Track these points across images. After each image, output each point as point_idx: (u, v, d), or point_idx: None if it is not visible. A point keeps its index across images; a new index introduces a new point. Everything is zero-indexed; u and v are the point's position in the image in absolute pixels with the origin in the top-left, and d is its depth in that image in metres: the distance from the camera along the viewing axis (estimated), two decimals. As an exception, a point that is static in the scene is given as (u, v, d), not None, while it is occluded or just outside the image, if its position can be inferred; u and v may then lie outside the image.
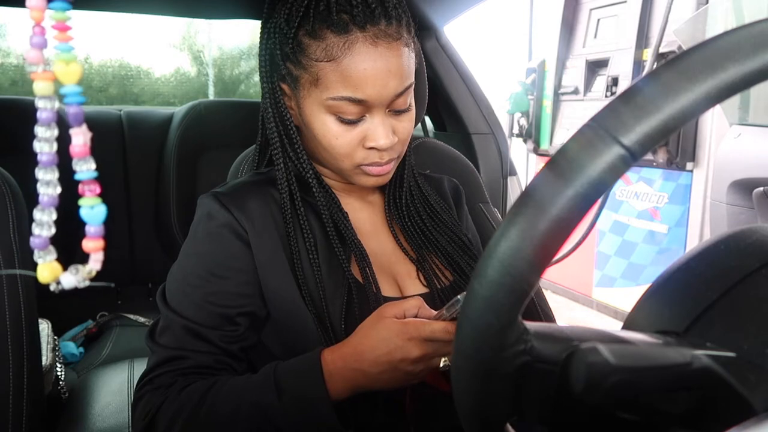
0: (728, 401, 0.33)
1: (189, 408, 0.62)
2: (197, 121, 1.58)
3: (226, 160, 0.99)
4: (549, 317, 1.05)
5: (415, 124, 1.04)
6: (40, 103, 0.26)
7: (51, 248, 0.27)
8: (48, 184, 0.26)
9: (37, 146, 0.26)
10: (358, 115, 0.67)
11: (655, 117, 0.28)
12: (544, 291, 1.12)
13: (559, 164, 0.29)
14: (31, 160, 0.27)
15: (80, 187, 0.27)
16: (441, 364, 0.61)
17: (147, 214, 1.65)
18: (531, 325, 0.36)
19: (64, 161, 0.27)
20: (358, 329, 0.63)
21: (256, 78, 0.79)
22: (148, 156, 1.63)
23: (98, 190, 0.27)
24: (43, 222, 0.26)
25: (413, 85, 0.70)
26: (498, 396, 0.36)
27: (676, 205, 2.53)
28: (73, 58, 0.25)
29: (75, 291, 0.28)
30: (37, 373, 0.83)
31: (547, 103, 3.12)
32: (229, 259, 0.69)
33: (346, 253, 0.73)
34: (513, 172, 1.56)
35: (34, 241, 0.26)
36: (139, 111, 1.72)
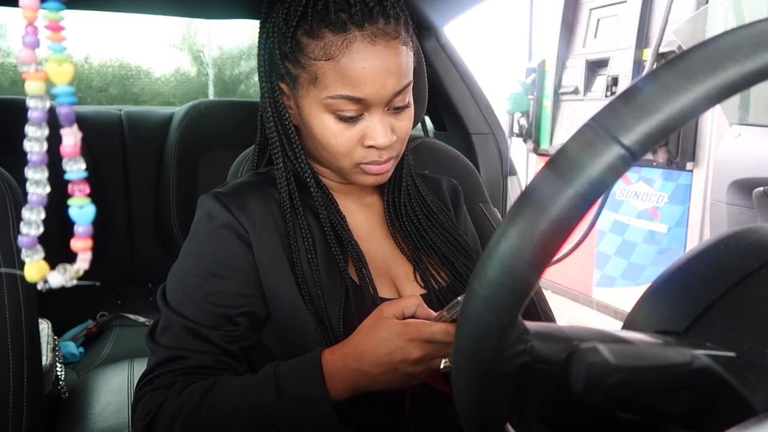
0: (728, 401, 0.33)
1: (189, 408, 0.62)
2: (197, 121, 1.58)
3: (226, 160, 0.99)
4: (549, 317, 1.05)
5: (415, 124, 1.05)
6: (31, 103, 0.26)
7: (39, 247, 0.27)
8: (37, 184, 0.26)
9: (27, 146, 0.26)
10: (357, 113, 0.67)
11: (655, 117, 0.28)
12: (544, 291, 1.12)
13: (559, 164, 0.29)
14: (26, 160, 0.27)
15: (70, 186, 0.27)
16: (441, 366, 0.61)
17: (147, 214, 1.65)
18: (531, 325, 0.36)
19: (60, 161, 0.27)
20: (359, 329, 0.63)
21: (256, 78, 0.79)
22: (148, 156, 1.63)
23: (88, 190, 0.27)
24: (32, 221, 0.26)
25: (411, 84, 0.70)
26: (498, 396, 0.36)
27: (676, 205, 2.53)
28: (66, 58, 0.25)
29: (75, 290, 0.28)
30: (37, 373, 0.83)
31: (547, 103, 3.12)
32: (229, 259, 0.69)
33: (344, 254, 0.73)
34: (513, 172, 1.56)
35: (22, 240, 0.26)
36: (139, 111, 1.72)
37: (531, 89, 3.20)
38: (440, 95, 1.48)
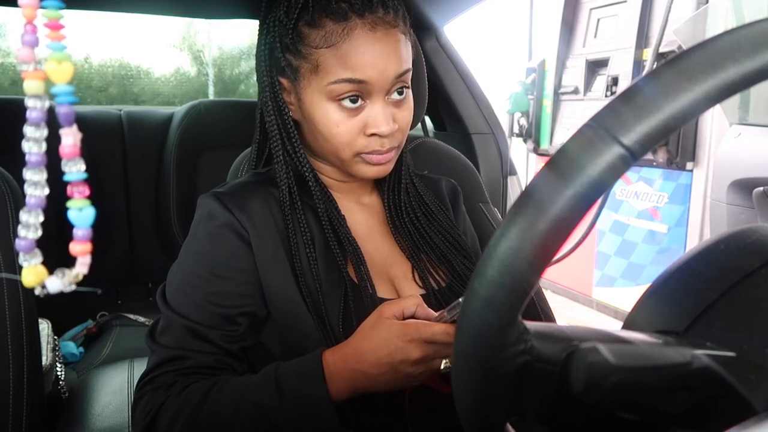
0: (728, 401, 0.33)
1: (190, 408, 0.62)
2: (197, 121, 1.58)
3: (226, 160, 0.99)
4: (549, 317, 1.05)
5: (415, 124, 1.05)
6: (29, 102, 0.25)
7: (37, 251, 0.26)
8: (36, 185, 0.26)
9: (26, 146, 0.25)
10: (358, 97, 0.68)
11: (655, 117, 0.28)
12: (544, 291, 1.12)
13: (559, 164, 0.29)
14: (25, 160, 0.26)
15: (69, 188, 0.26)
16: (441, 366, 0.61)
17: (147, 214, 1.65)
18: (531, 324, 0.36)
19: (59, 162, 0.27)
20: (359, 330, 0.63)
21: (256, 78, 0.79)
22: (148, 156, 1.63)
23: (87, 192, 0.26)
24: (30, 224, 0.26)
25: (411, 72, 0.72)
26: (498, 396, 0.36)
27: (676, 204, 2.53)
28: (66, 57, 0.25)
29: (75, 291, 0.27)
30: (37, 373, 0.82)
31: (547, 103, 3.12)
32: (229, 259, 0.69)
33: (343, 254, 0.73)
34: (513, 172, 1.56)
35: (19, 244, 0.26)
36: (139, 111, 1.72)
37: (531, 89, 3.20)
38: (440, 95, 1.48)
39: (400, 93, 0.71)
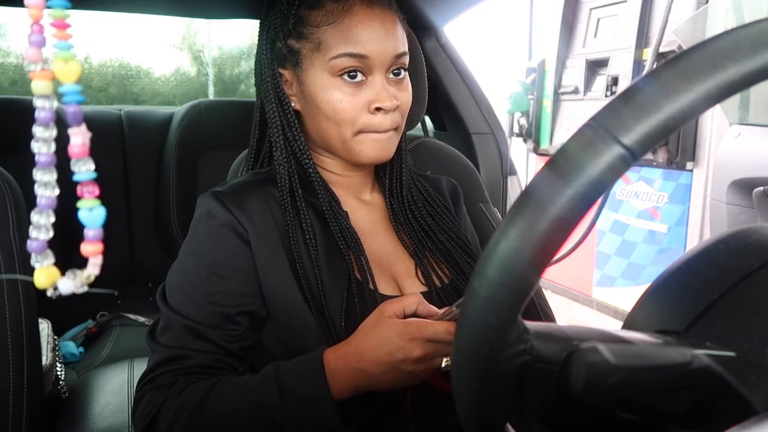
0: (728, 401, 0.33)
1: (190, 407, 0.62)
2: (197, 121, 1.58)
3: (226, 160, 0.99)
4: (549, 317, 1.05)
5: (415, 124, 1.05)
6: (38, 103, 0.25)
7: (48, 252, 0.26)
8: (46, 186, 0.26)
9: (35, 147, 0.25)
10: (361, 74, 0.70)
11: (655, 117, 0.28)
12: (544, 291, 1.12)
13: (559, 164, 0.29)
14: (30, 160, 0.26)
15: (79, 188, 0.26)
16: (443, 365, 0.61)
17: (147, 214, 1.65)
18: (531, 324, 0.36)
19: (64, 162, 0.27)
20: (360, 329, 0.63)
21: (255, 79, 0.79)
22: (148, 156, 1.63)
23: (97, 191, 0.26)
24: (41, 225, 0.26)
25: (408, 58, 0.74)
26: (498, 396, 0.36)
27: (676, 204, 2.53)
28: (72, 57, 0.25)
29: (86, 291, 0.27)
30: (37, 373, 0.82)
31: (547, 103, 3.12)
32: (229, 259, 0.69)
33: (345, 250, 0.73)
34: (513, 172, 1.56)
35: (31, 245, 0.25)
36: (139, 111, 1.72)
37: (531, 89, 3.20)
38: (440, 95, 1.48)
39: (399, 74, 0.73)
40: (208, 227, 0.71)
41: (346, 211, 0.76)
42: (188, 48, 4.20)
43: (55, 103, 0.26)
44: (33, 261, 0.26)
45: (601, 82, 2.81)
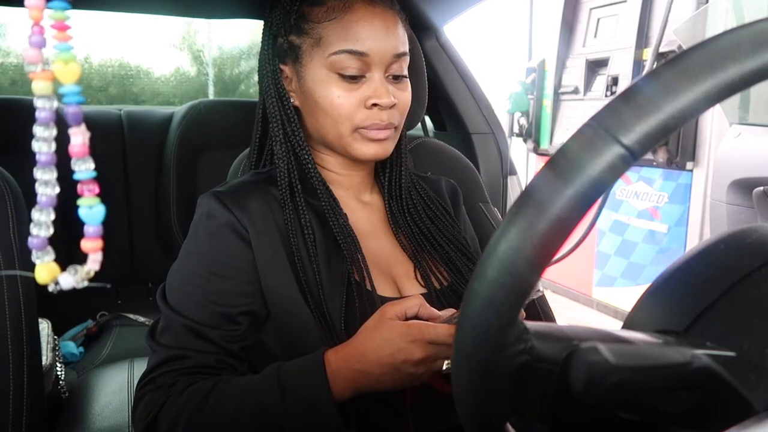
0: (728, 401, 0.33)
1: (192, 408, 0.62)
2: (197, 121, 1.58)
3: (226, 160, 0.99)
4: (549, 317, 1.05)
5: (415, 124, 1.05)
6: (38, 103, 0.25)
7: (49, 249, 0.27)
8: (46, 184, 0.26)
9: (36, 146, 0.26)
10: (360, 72, 0.70)
11: (655, 116, 0.28)
12: (544, 291, 1.12)
13: (559, 164, 0.29)
14: (30, 160, 0.27)
15: (79, 187, 0.27)
16: (444, 367, 0.61)
17: (147, 214, 1.65)
18: (531, 324, 0.36)
19: (64, 161, 0.27)
20: (361, 330, 0.63)
21: (256, 78, 0.79)
22: (148, 156, 1.63)
23: (97, 190, 0.27)
24: (42, 222, 0.26)
25: (408, 59, 0.75)
26: (498, 395, 0.36)
27: (676, 204, 2.53)
28: (72, 58, 0.25)
29: (75, 290, 0.28)
30: (37, 373, 0.82)
31: (547, 103, 3.12)
32: (229, 259, 0.69)
33: (345, 251, 0.73)
34: (513, 172, 1.56)
35: (32, 242, 0.26)
36: (139, 111, 1.72)
37: (531, 89, 3.20)
38: (440, 95, 1.48)
39: (399, 74, 0.74)
40: (209, 227, 0.71)
41: (345, 213, 0.76)
42: (188, 48, 4.20)
43: (56, 103, 0.26)
44: (34, 257, 0.26)
45: (601, 82, 2.81)
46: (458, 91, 1.48)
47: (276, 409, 0.60)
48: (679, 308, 0.39)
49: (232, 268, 0.69)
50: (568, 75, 3.01)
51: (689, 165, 2.43)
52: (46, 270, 0.26)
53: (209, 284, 0.68)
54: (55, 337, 1.24)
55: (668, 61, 0.29)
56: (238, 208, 0.70)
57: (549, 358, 0.35)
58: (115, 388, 1.17)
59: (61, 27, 0.25)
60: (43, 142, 0.26)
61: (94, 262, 0.27)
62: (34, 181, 0.26)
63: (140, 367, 1.25)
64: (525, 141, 3.28)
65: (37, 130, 0.26)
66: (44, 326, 1.20)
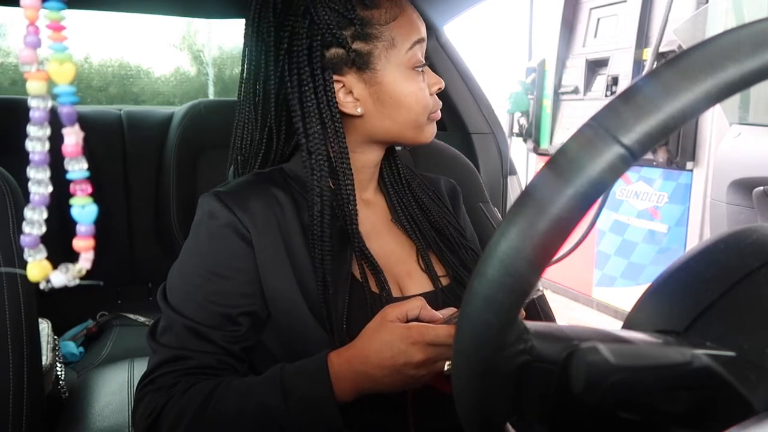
0: (728, 401, 0.33)
1: (193, 408, 0.62)
2: (197, 121, 1.58)
3: (226, 160, 0.98)
4: (549, 317, 1.05)
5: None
6: (32, 103, 0.26)
7: (41, 247, 0.27)
8: (39, 183, 0.26)
9: (29, 145, 0.26)
10: (423, 60, 0.74)
11: (655, 116, 0.28)
12: (544, 291, 1.12)
13: (559, 164, 0.29)
14: (27, 159, 0.27)
15: (72, 186, 0.27)
16: (445, 368, 0.61)
17: (147, 214, 1.65)
18: (531, 324, 0.36)
19: (62, 161, 0.27)
20: (363, 332, 0.63)
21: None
22: (148, 156, 1.63)
23: (90, 189, 0.27)
24: (34, 221, 0.26)
25: None
26: (498, 395, 0.36)
27: (676, 204, 2.53)
28: (68, 58, 0.25)
29: (75, 290, 0.28)
30: (37, 373, 0.82)
31: (547, 103, 3.12)
32: (230, 259, 0.69)
33: (348, 251, 0.73)
34: (513, 172, 1.56)
35: (24, 240, 0.26)
36: (139, 110, 1.72)
37: (531, 89, 3.20)
38: (440, 95, 1.47)
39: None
40: (210, 227, 0.71)
41: (355, 211, 0.75)
42: (188, 48, 4.20)
43: (50, 103, 0.26)
44: (26, 255, 0.27)
45: (601, 82, 2.81)
46: (458, 91, 1.48)
47: (278, 411, 0.60)
48: (679, 308, 0.39)
49: (233, 268, 0.69)
50: (568, 75, 3.01)
51: (689, 165, 2.43)
52: (37, 268, 0.26)
53: (210, 284, 0.68)
54: (55, 337, 1.23)
55: (668, 61, 0.29)
56: (240, 208, 0.70)
57: (549, 358, 0.35)
58: (115, 388, 1.17)
59: (57, 27, 0.25)
60: (36, 142, 0.26)
61: (85, 261, 0.27)
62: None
63: (140, 367, 1.25)
64: (525, 141, 3.29)
65: (31, 129, 0.26)
66: (44, 326, 1.20)
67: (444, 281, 0.78)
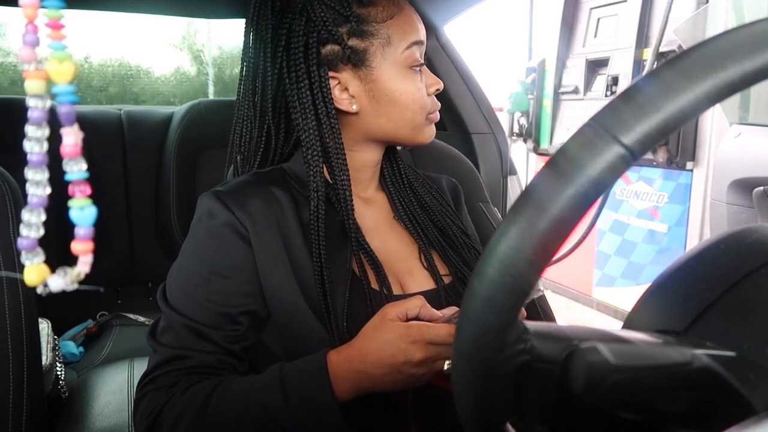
0: (728, 401, 0.33)
1: (194, 408, 0.62)
2: (197, 121, 1.58)
3: (226, 160, 0.99)
4: (549, 317, 1.05)
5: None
6: (31, 102, 0.25)
7: (39, 250, 0.26)
8: (37, 185, 0.26)
9: (27, 146, 0.25)
10: (421, 60, 0.73)
11: (655, 116, 0.28)
12: (544, 291, 1.12)
13: (559, 164, 0.29)
14: (26, 160, 0.26)
15: (70, 187, 0.26)
16: (445, 367, 0.61)
17: (147, 214, 1.65)
18: (531, 324, 0.36)
19: (61, 161, 0.27)
20: (363, 331, 0.63)
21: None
22: (148, 156, 1.63)
23: (89, 191, 0.26)
24: (32, 223, 0.26)
25: None
26: (498, 396, 0.36)
27: (676, 204, 2.53)
28: (67, 57, 0.25)
29: (75, 291, 0.27)
30: (37, 373, 0.82)
31: (547, 103, 3.12)
32: (230, 259, 0.69)
33: (349, 249, 0.73)
34: (513, 172, 1.56)
35: (21, 243, 0.26)
36: (139, 110, 1.72)
37: (531, 89, 3.20)
38: (440, 95, 1.47)
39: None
40: (209, 227, 0.71)
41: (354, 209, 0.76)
42: (188, 48, 4.20)
43: (49, 103, 0.26)
44: (23, 258, 0.26)
45: (601, 81, 2.81)
46: (458, 90, 1.48)
47: (278, 410, 0.60)
48: (679, 308, 0.39)
49: (233, 267, 0.69)
50: (568, 75, 3.01)
51: (689, 165, 2.43)
52: (35, 272, 0.26)
53: (210, 284, 0.68)
54: (55, 337, 1.23)
55: (668, 61, 0.29)
56: (239, 207, 0.70)
57: (549, 358, 0.35)
58: (115, 388, 1.17)
59: (56, 26, 0.25)
60: (35, 142, 0.25)
61: (84, 264, 0.26)
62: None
63: (140, 367, 1.25)
64: (525, 141, 3.29)
65: (29, 129, 0.25)
66: (44, 326, 1.20)
67: (446, 280, 0.78)
